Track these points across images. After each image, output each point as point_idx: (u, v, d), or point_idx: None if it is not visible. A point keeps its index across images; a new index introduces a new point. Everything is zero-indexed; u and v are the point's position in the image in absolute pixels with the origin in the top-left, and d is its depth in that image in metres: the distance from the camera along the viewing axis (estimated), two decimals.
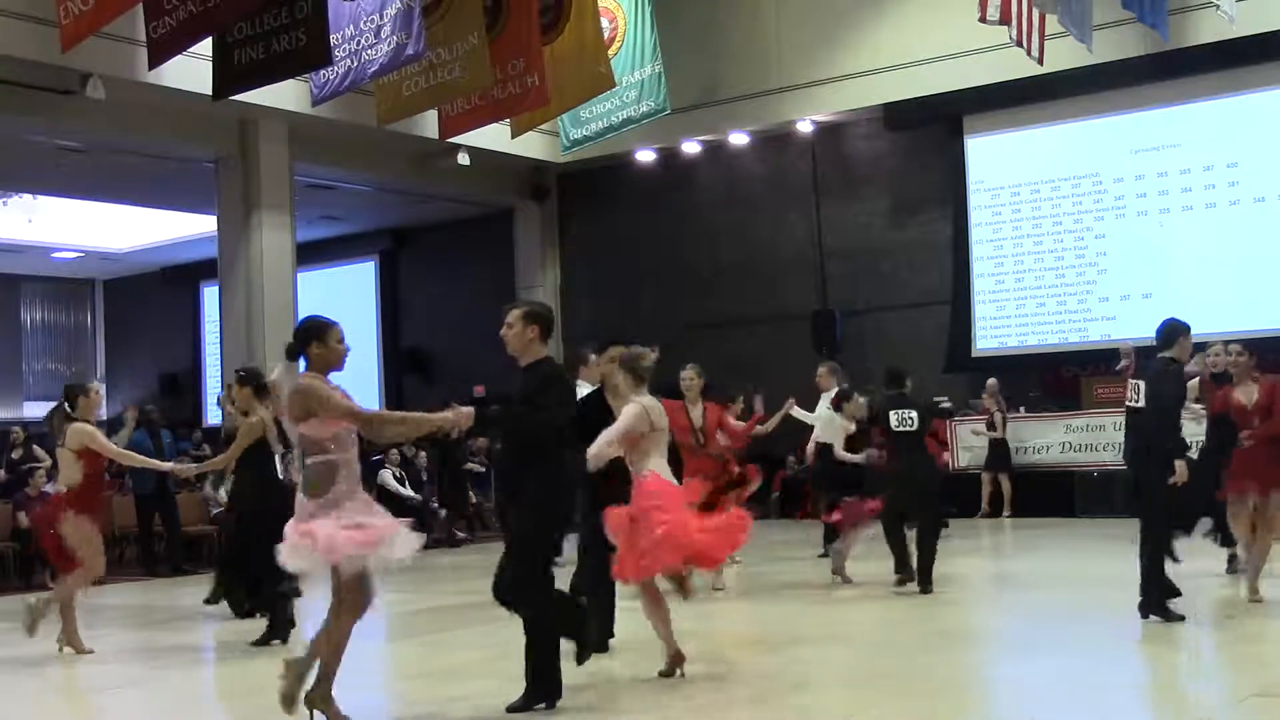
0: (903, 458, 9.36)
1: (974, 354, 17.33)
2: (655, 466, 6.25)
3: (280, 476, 8.38)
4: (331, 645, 5.37)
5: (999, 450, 15.71)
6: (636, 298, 19.52)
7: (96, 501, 8.15)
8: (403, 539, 5.33)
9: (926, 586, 9.12)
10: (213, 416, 22.56)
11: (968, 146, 17.51)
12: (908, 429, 9.26)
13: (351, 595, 5.33)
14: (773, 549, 12.72)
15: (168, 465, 8.94)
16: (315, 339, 5.53)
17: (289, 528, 5.35)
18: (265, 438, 8.32)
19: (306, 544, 5.24)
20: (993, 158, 17.37)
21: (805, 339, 17.75)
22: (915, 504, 9.37)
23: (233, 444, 8.41)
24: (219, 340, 17.68)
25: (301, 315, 17.84)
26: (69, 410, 8.01)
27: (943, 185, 17.67)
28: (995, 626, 8.44)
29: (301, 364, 5.60)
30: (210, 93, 12.47)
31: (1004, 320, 17.21)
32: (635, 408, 6.25)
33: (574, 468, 5.95)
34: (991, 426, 15.68)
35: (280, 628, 7.97)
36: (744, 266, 19.08)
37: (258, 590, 8.25)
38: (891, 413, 9.32)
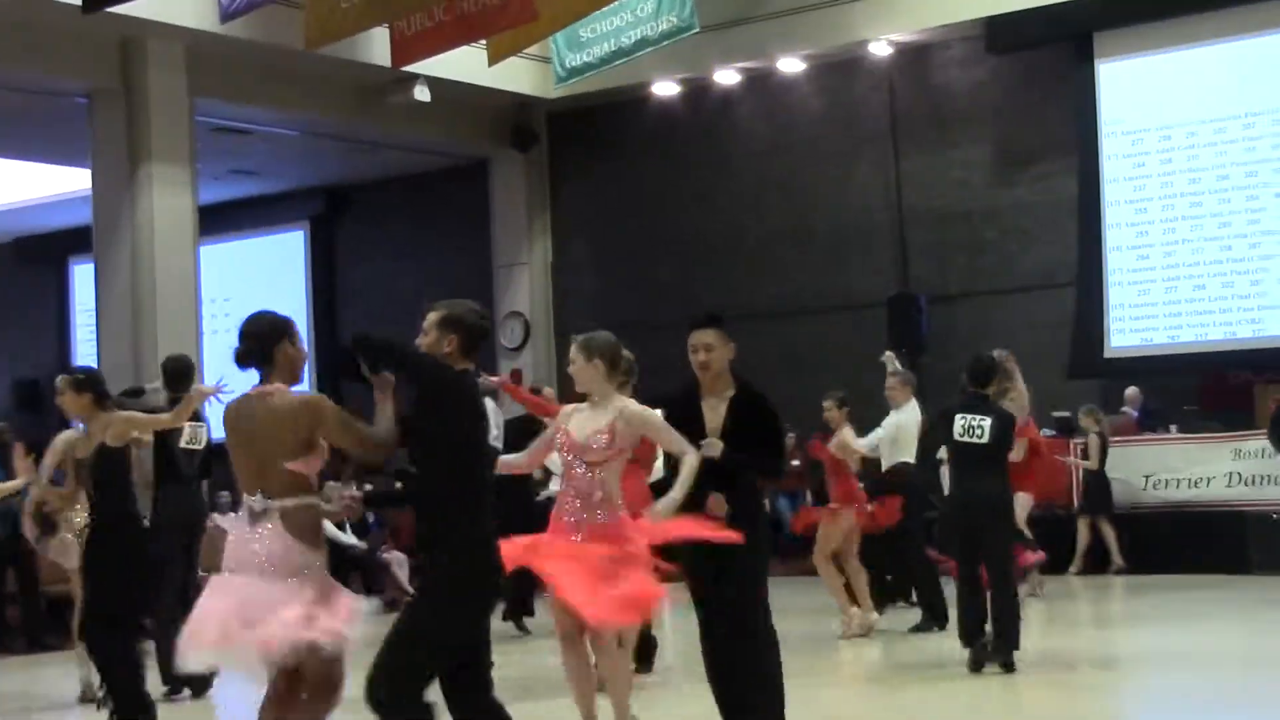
0: (961, 478, 9.30)
1: (1107, 354, 17.29)
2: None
3: (140, 514, 8.15)
4: None
5: (1097, 486, 15.51)
6: (652, 275, 19.53)
7: None
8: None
9: (1008, 659, 8.90)
10: None
11: (1099, 74, 17.46)
12: (975, 440, 9.12)
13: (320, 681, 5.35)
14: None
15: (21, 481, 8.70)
16: (285, 336, 5.54)
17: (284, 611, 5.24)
18: (128, 453, 8.14)
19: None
20: (1135, 90, 17.32)
21: (879, 333, 17.72)
22: (978, 539, 9.13)
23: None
24: (95, 334, 17.75)
25: (206, 299, 17.91)
26: None
27: (1066, 127, 17.64)
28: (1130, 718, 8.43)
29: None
30: (80, 3, 12.53)
31: (1148, 309, 17.17)
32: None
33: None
34: (1087, 455, 15.46)
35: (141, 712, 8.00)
36: (795, 236, 19.10)
37: (109, 665, 7.98)
38: (958, 416, 9.21)
